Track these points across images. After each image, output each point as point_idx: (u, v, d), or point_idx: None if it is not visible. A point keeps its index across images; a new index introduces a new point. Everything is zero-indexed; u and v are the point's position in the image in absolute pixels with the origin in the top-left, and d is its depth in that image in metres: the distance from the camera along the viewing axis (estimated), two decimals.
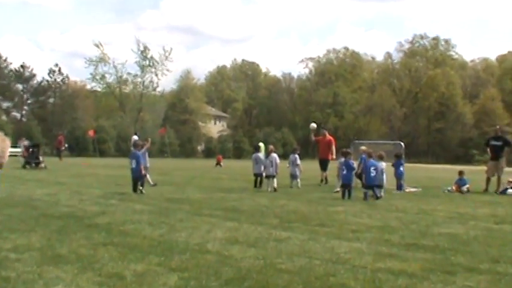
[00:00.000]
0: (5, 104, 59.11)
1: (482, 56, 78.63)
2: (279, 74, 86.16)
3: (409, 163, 21.88)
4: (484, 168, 16.05)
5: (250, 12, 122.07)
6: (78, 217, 7.89)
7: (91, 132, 33.54)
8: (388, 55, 77.20)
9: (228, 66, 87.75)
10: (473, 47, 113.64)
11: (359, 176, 12.82)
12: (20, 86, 59.62)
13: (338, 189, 12.92)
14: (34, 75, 60.03)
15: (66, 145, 36.90)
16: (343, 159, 12.67)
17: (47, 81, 60.04)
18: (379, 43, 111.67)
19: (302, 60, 79.98)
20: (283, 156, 23.60)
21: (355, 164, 12.73)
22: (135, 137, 19.32)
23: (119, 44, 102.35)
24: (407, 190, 14.37)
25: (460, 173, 14.94)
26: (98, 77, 60.58)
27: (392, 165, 14.39)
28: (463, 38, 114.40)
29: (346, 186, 11.94)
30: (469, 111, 67.37)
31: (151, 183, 13.85)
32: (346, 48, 78.75)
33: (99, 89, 62.75)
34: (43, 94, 60.44)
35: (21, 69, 58.93)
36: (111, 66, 60.79)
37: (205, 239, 6.24)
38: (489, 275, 4.87)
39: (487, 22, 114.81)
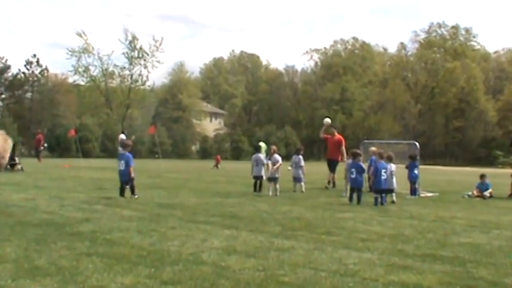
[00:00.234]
0: None
1: (507, 47, 78.73)
2: (281, 67, 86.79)
3: (424, 165, 21.93)
4: (509, 171, 16.06)
5: None
6: (59, 224, 7.89)
7: (72, 132, 33.72)
8: (402, 46, 77.51)
9: (225, 58, 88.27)
10: (497, 36, 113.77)
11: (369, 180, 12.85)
12: None
13: (346, 193, 12.95)
14: (9, 67, 60.10)
15: (46, 145, 36.87)
16: (351, 161, 12.71)
17: (24, 73, 60.17)
18: (391, 33, 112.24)
19: (307, 52, 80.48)
20: (286, 158, 23.64)
21: (365, 166, 12.74)
22: (123, 136, 19.36)
23: (104, 33, 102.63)
24: (422, 195, 14.40)
25: (482, 176, 14.96)
26: (81, 70, 60.58)
27: (406, 168, 14.41)
28: (486, 27, 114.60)
29: (355, 190, 11.97)
30: (492, 108, 67.56)
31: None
32: (356, 39, 79.20)
33: (82, 83, 62.80)
34: (19, 88, 60.54)
35: None
36: (95, 58, 60.85)
37: (200, 249, 6.26)
38: None
39: None
